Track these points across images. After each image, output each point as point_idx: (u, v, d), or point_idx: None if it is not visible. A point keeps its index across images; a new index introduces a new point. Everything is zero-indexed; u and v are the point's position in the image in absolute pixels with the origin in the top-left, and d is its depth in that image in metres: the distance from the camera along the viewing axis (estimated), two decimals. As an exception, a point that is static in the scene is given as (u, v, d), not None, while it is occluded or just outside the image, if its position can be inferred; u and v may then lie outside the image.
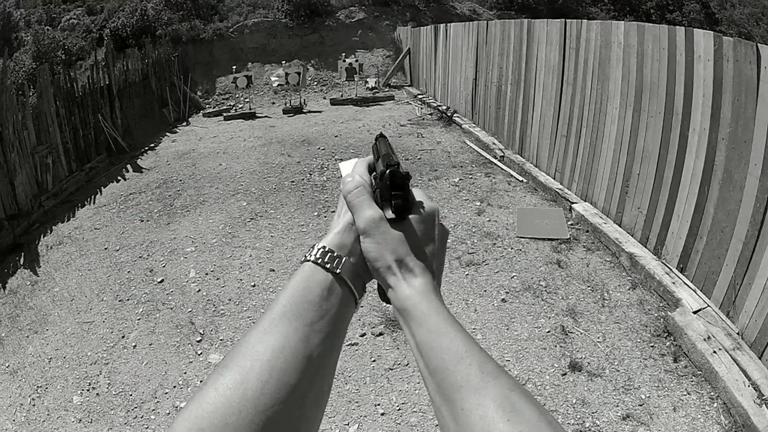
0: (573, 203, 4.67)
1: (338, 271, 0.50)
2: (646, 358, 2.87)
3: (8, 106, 5.60)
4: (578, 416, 2.52)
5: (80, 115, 7.59)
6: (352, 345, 3.17)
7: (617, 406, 2.56)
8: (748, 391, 2.42)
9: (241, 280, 4.05)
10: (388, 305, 0.63)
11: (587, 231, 4.33)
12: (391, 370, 2.96)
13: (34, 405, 2.98)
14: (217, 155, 7.65)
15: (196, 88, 12.39)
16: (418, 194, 0.54)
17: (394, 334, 3.23)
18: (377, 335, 3.24)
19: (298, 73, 10.77)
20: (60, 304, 4.01)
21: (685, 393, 2.60)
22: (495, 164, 6.21)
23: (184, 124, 10.57)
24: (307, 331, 0.45)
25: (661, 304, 3.30)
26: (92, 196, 6.41)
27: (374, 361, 3.04)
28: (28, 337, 3.65)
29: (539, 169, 5.59)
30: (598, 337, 3.07)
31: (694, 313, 2.98)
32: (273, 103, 11.69)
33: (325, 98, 11.65)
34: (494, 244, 4.26)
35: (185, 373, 3.10)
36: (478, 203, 5.09)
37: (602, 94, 4.32)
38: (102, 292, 4.11)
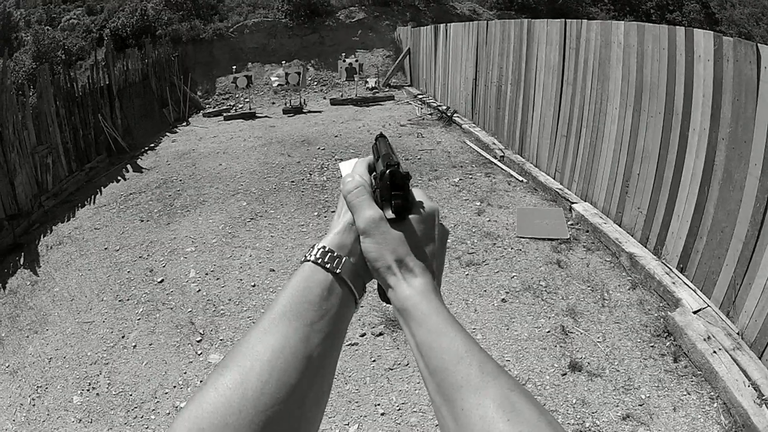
0: (573, 203, 4.67)
1: (338, 271, 0.50)
2: (646, 358, 2.87)
3: (8, 106, 5.60)
4: (578, 416, 2.52)
5: (80, 115, 7.59)
6: (352, 345, 3.17)
7: (617, 406, 2.56)
8: (748, 391, 2.42)
9: (241, 280, 4.05)
10: (388, 305, 0.63)
11: (587, 231, 4.33)
12: (391, 370, 2.96)
13: (34, 405, 2.98)
14: (217, 155, 7.65)
15: (196, 88, 12.39)
16: (418, 194, 0.54)
17: (394, 334, 3.23)
18: (377, 335, 3.24)
19: (298, 73, 10.77)
20: (60, 304, 4.01)
21: (685, 393, 2.60)
22: (495, 164, 6.21)
23: (184, 124, 10.57)
24: (307, 331, 0.45)
25: (661, 304, 3.30)
26: (92, 196, 6.41)
27: (374, 361, 3.04)
28: (28, 337, 3.65)
29: (539, 169, 5.59)
30: (598, 337, 3.07)
31: (694, 313, 2.98)
32: (273, 103, 11.69)
33: (325, 98, 11.66)
34: (494, 244, 4.26)
35: (185, 373, 3.10)
36: (478, 203, 5.09)
37: (602, 94, 4.32)
38: (102, 292, 4.11)
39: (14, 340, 3.64)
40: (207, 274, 4.19)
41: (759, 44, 2.68)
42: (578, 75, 4.67)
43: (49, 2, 17.32)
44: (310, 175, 6.35)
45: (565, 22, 4.85)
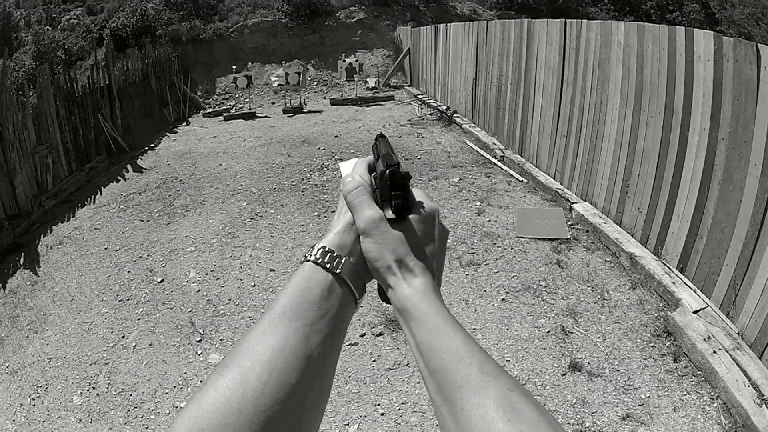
0: (573, 203, 4.67)
1: (338, 271, 0.50)
2: (646, 358, 2.87)
3: (8, 106, 5.60)
4: (578, 416, 2.52)
5: (80, 115, 7.59)
6: (352, 345, 3.17)
7: (617, 406, 2.56)
8: (748, 391, 2.42)
9: (241, 280, 4.05)
10: (388, 305, 0.63)
11: (587, 231, 4.33)
12: (391, 370, 2.96)
13: (34, 405, 2.98)
14: (217, 155, 7.65)
15: (196, 88, 12.39)
16: (418, 194, 0.54)
17: (394, 334, 3.23)
18: (377, 335, 3.24)
19: (298, 73, 10.77)
20: (60, 304, 4.01)
21: (685, 393, 2.61)
22: (495, 164, 6.21)
23: (184, 124, 10.57)
24: (307, 331, 0.45)
25: (661, 304, 3.30)
26: (92, 196, 6.41)
27: (374, 361, 3.04)
28: (28, 337, 3.65)
29: (539, 169, 5.59)
30: (598, 337, 3.07)
31: (694, 313, 2.98)
32: (273, 103, 11.70)
33: (325, 98, 11.66)
34: (494, 244, 4.26)
35: (185, 373, 3.10)
36: (478, 203, 5.09)
37: (602, 94, 4.32)
38: (102, 292, 4.11)
39: (14, 340, 3.64)
40: (207, 274, 4.19)
41: (759, 44, 2.68)
42: (578, 75, 4.67)
43: (49, 2, 17.32)
44: (310, 175, 6.35)
45: (565, 22, 4.85)
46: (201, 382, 2.51)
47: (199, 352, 3.28)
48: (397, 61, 12.54)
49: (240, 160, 7.27)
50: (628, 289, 3.52)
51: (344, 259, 0.50)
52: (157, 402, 2.89)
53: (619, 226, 4.15)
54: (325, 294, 0.48)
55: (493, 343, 3.09)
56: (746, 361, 2.60)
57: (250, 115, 10.42)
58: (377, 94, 11.29)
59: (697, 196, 3.22)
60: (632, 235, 3.97)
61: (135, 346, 3.39)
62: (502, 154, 6.28)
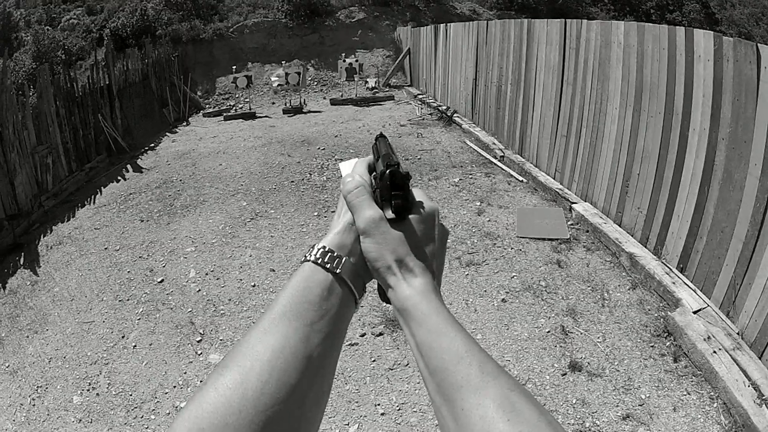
0: (573, 203, 4.67)
1: (338, 271, 0.50)
2: (646, 358, 2.87)
3: (8, 106, 5.60)
4: (578, 416, 2.52)
5: (80, 115, 7.59)
6: (352, 345, 3.17)
7: (617, 406, 2.56)
8: (748, 391, 2.42)
9: (241, 280, 4.05)
10: (388, 305, 0.63)
11: (587, 231, 4.33)
12: (391, 370, 2.96)
13: (34, 405, 2.98)
14: (217, 155, 7.65)
15: (196, 88, 12.39)
16: (418, 194, 0.54)
17: (394, 334, 3.23)
18: (377, 335, 3.24)
19: (298, 73, 10.77)
20: (60, 304, 4.01)
21: (685, 393, 2.61)
22: (495, 164, 6.21)
23: (184, 124, 10.57)
24: (307, 331, 0.45)
25: (661, 304, 3.30)
26: (92, 196, 6.41)
27: (374, 361, 3.04)
28: (28, 337, 3.65)
29: (539, 169, 5.59)
30: (598, 337, 3.07)
31: (694, 313, 2.98)
32: (273, 103, 11.70)
33: (325, 98, 11.66)
34: (494, 244, 4.26)
35: (185, 373, 3.10)
36: (478, 203, 5.09)
37: (602, 94, 4.32)
38: (102, 292, 4.11)
39: (14, 340, 3.64)
40: (207, 274, 4.19)
41: (759, 44, 2.68)
42: (578, 75, 4.67)
43: (49, 2, 17.31)
44: (310, 175, 6.35)
45: (565, 22, 4.85)
46: (201, 382, 2.51)
47: (199, 352, 3.28)
48: (397, 61, 12.54)
49: (240, 160, 7.27)
50: (628, 289, 3.52)
51: (344, 259, 0.50)
52: (157, 402, 2.89)
53: (619, 226, 4.15)
54: (325, 294, 0.48)
55: (493, 343, 3.09)
56: (746, 361, 2.60)
57: (250, 115, 10.42)
58: (377, 94, 11.29)
59: (697, 196, 3.22)
60: (632, 235, 3.97)
61: (135, 346, 3.39)
62: (502, 154, 6.28)
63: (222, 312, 3.67)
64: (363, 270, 0.52)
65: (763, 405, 2.33)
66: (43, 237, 5.34)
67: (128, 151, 8.33)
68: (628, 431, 2.42)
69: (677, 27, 3.40)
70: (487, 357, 0.44)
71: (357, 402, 2.75)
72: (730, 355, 2.64)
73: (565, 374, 2.80)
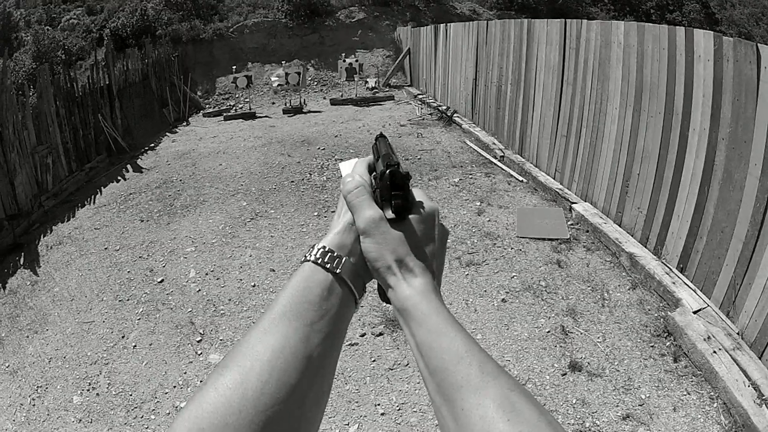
0: (573, 203, 4.67)
1: (338, 271, 0.50)
2: (646, 358, 2.87)
3: (8, 106, 5.60)
4: (578, 416, 2.52)
5: (80, 115, 7.59)
6: (352, 345, 3.17)
7: (617, 406, 2.56)
8: (748, 391, 2.42)
9: (241, 280, 4.05)
10: (388, 305, 0.63)
11: (587, 231, 4.33)
12: (391, 370, 2.96)
13: (34, 405, 2.98)
14: (217, 155, 7.65)
15: (196, 88, 12.39)
16: (418, 194, 0.54)
17: (394, 334, 3.23)
18: (377, 335, 3.24)
19: (298, 73, 10.77)
20: (60, 304, 4.01)
21: (685, 393, 2.61)
22: (495, 164, 6.21)
23: (184, 124, 10.57)
24: (307, 331, 0.45)
25: (661, 304, 3.30)
26: (92, 196, 6.41)
27: (374, 361, 3.04)
28: (28, 337, 3.65)
29: (539, 169, 5.59)
30: (598, 337, 3.07)
31: (694, 313, 2.98)
32: (273, 103, 11.70)
33: (325, 98, 11.66)
34: (494, 244, 4.26)
35: (185, 373, 3.10)
36: (478, 203, 5.09)
37: (602, 94, 4.32)
38: (102, 292, 4.11)
39: (14, 340, 3.64)
40: (207, 274, 4.19)
41: (759, 44, 2.68)
42: (578, 75, 4.67)
43: (49, 2, 17.31)
44: (310, 175, 6.35)
45: (565, 22, 4.85)
46: (201, 382, 2.51)
47: (199, 352, 3.28)
48: (397, 61, 12.54)
49: (240, 160, 7.27)
50: (628, 289, 3.52)
51: (344, 259, 0.50)
52: (157, 402, 2.89)
53: (619, 226, 4.15)
54: (325, 294, 0.48)
55: (493, 343, 3.09)
56: (746, 361, 2.60)
57: (250, 115, 10.42)
58: (377, 94, 11.29)
59: (697, 196, 3.22)
60: (632, 235, 3.97)
61: (135, 346, 3.39)
62: (502, 154, 6.28)
63: (222, 312, 3.67)
64: (363, 270, 0.52)
65: (763, 405, 2.33)
66: (43, 237, 5.34)
67: (128, 151, 8.33)
68: (628, 431, 2.42)
69: (677, 27, 3.40)
70: (487, 357, 0.44)
71: (357, 402, 2.75)
72: (730, 355, 2.64)
73: (565, 374, 2.80)
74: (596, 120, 4.45)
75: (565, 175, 5.06)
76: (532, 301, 3.46)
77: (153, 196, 6.12)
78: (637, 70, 3.80)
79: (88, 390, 3.05)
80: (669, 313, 3.09)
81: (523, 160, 5.93)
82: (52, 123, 6.62)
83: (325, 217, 5.07)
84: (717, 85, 2.98)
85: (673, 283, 3.29)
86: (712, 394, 2.58)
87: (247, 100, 11.45)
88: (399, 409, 2.67)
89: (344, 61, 11.33)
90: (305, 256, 0.51)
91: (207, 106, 11.98)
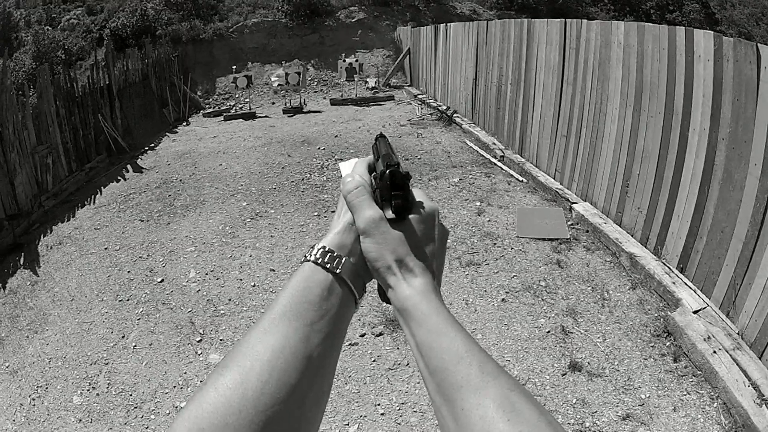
0: (573, 203, 4.67)
1: (338, 271, 0.50)
2: (646, 358, 2.87)
3: (8, 106, 5.60)
4: (578, 416, 2.52)
5: (80, 115, 7.59)
6: (352, 345, 3.17)
7: (617, 406, 2.56)
8: (748, 391, 2.42)
9: (241, 280, 4.05)
10: (388, 305, 0.63)
11: (587, 231, 4.33)
12: (391, 370, 2.96)
13: (34, 405, 2.98)
14: (217, 155, 7.65)
15: (196, 88, 12.39)
16: (418, 194, 0.54)
17: (394, 334, 3.23)
18: (377, 335, 3.24)
19: (298, 73, 10.77)
20: (60, 304, 4.01)
21: (685, 393, 2.61)
22: (495, 164, 6.21)
23: (184, 124, 10.57)
24: (307, 331, 0.45)
25: (661, 304, 3.30)
26: (92, 196, 6.41)
27: (374, 361, 3.04)
28: (28, 337, 3.65)
29: (539, 169, 5.59)
30: (598, 337, 3.07)
31: (694, 313, 2.98)
32: (273, 103, 11.70)
33: (325, 98, 11.66)
34: (494, 244, 4.26)
35: (185, 373, 3.10)
36: (478, 203, 5.09)
37: (602, 94, 4.32)
38: (102, 292, 4.11)
39: (14, 340, 3.64)
40: (207, 274, 4.19)
41: (759, 44, 2.68)
42: (578, 75, 4.67)
43: (49, 2, 17.31)
44: (310, 175, 6.35)
45: (565, 22, 4.85)
46: (201, 382, 2.51)
47: (199, 352, 3.28)
48: (397, 61, 12.54)
49: (240, 160, 7.27)
50: (628, 289, 3.52)
51: (344, 259, 0.50)
52: (157, 402, 2.89)
53: (619, 226, 4.15)
54: (325, 294, 0.48)
55: (493, 343, 3.09)
56: (746, 361, 2.60)
57: (250, 115, 10.42)
58: (377, 94, 11.29)
59: (697, 196, 3.22)
60: (632, 235, 3.97)
61: (135, 346, 3.39)
62: (502, 154, 6.28)
63: (222, 312, 3.67)
64: (363, 270, 0.52)
65: (763, 405, 2.33)
66: (43, 237, 5.34)
67: (128, 151, 8.33)
68: (628, 431, 2.42)
69: (677, 27, 3.40)
70: (487, 357, 0.44)
71: (357, 402, 2.75)
72: (730, 355, 2.64)
73: (565, 374, 2.80)
74: (596, 120, 4.45)
75: (565, 175, 5.06)
76: (532, 301, 3.46)
77: (153, 196, 6.12)
78: (637, 70, 3.80)
79: (88, 390, 3.05)
80: (669, 313, 3.09)
81: (523, 160, 5.93)
82: (52, 123, 6.62)
83: (325, 217, 5.07)
84: (717, 85, 2.98)
85: (673, 283, 3.29)
86: (712, 394, 2.58)
87: (247, 100, 11.45)
88: (399, 409, 2.67)
89: (344, 61, 11.33)
90: (305, 256, 0.51)
91: (207, 106, 11.98)
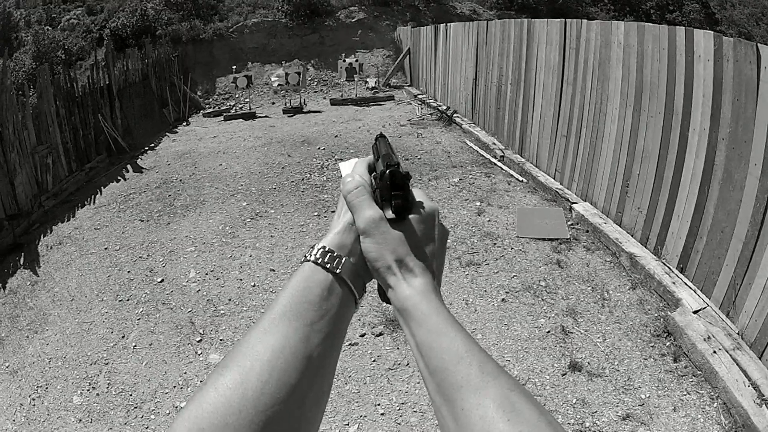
0: (573, 203, 4.67)
1: (338, 271, 0.50)
2: (646, 358, 2.87)
3: (8, 106, 5.60)
4: (578, 416, 2.52)
5: (80, 115, 7.59)
6: (352, 345, 3.17)
7: (617, 406, 2.56)
8: (748, 391, 2.42)
9: (241, 280, 4.05)
10: (388, 305, 0.63)
11: (587, 231, 4.33)
12: (391, 370, 2.96)
13: (34, 405, 2.98)
14: (217, 155, 7.65)
15: (196, 88, 12.39)
16: (418, 194, 0.54)
17: (394, 334, 3.23)
18: (377, 335, 3.24)
19: (298, 73, 10.77)
20: (60, 304, 4.01)
21: (685, 393, 2.61)
22: (495, 164, 6.21)
23: (184, 124, 10.57)
24: (307, 331, 0.45)
25: (661, 304, 3.30)
26: (92, 196, 6.41)
27: (374, 361, 3.04)
28: (28, 337, 3.65)
29: (539, 169, 5.59)
30: (598, 337, 3.07)
31: (694, 313, 2.98)
32: (273, 103, 11.70)
33: (325, 98, 11.66)
34: (494, 244, 4.26)
35: (185, 373, 3.10)
36: (478, 203, 5.09)
37: (602, 94, 4.32)
38: (102, 292, 4.11)
39: (14, 340, 3.64)
40: (207, 274, 4.19)
41: (759, 44, 2.68)
42: (578, 75, 4.67)
43: (49, 2, 17.31)
44: (310, 175, 6.35)
45: (565, 22, 4.85)
46: (201, 382, 2.51)
47: (199, 352, 3.28)
48: (397, 61, 12.54)
49: (240, 160, 7.27)
50: (628, 289, 3.52)
51: (344, 259, 0.50)
52: (157, 402, 2.89)
53: (619, 226, 4.15)
54: (325, 294, 0.48)
55: (493, 343, 3.09)
56: (746, 361, 2.60)
57: (250, 115, 10.42)
58: (377, 94, 11.29)
59: (697, 196, 3.22)
60: (632, 235, 3.97)
61: (135, 346, 3.39)
62: (502, 154, 6.28)
63: (222, 312, 3.67)
64: (363, 270, 0.52)
65: (763, 405, 2.33)
66: (43, 237, 5.34)
67: (128, 151, 8.33)
68: (628, 431, 2.42)
69: (677, 27, 3.40)
70: (487, 357, 0.44)
71: (357, 402, 2.75)
72: (730, 355, 2.64)
73: (565, 374, 2.80)
74: (596, 120, 4.45)
75: (565, 175, 5.06)
76: (532, 301, 3.46)
77: (153, 196, 6.12)
78: (637, 70, 3.80)
79: (88, 390, 3.05)
80: (669, 313, 3.09)
81: (523, 160, 5.93)
82: (52, 123, 6.62)
83: (325, 217, 5.07)
84: (717, 85, 2.98)
85: (673, 283, 3.29)
86: (712, 394, 2.58)
87: (247, 100, 11.46)
88: (399, 409, 2.67)
89: (344, 61, 11.33)
90: (305, 256, 0.51)
91: (207, 106, 11.98)
